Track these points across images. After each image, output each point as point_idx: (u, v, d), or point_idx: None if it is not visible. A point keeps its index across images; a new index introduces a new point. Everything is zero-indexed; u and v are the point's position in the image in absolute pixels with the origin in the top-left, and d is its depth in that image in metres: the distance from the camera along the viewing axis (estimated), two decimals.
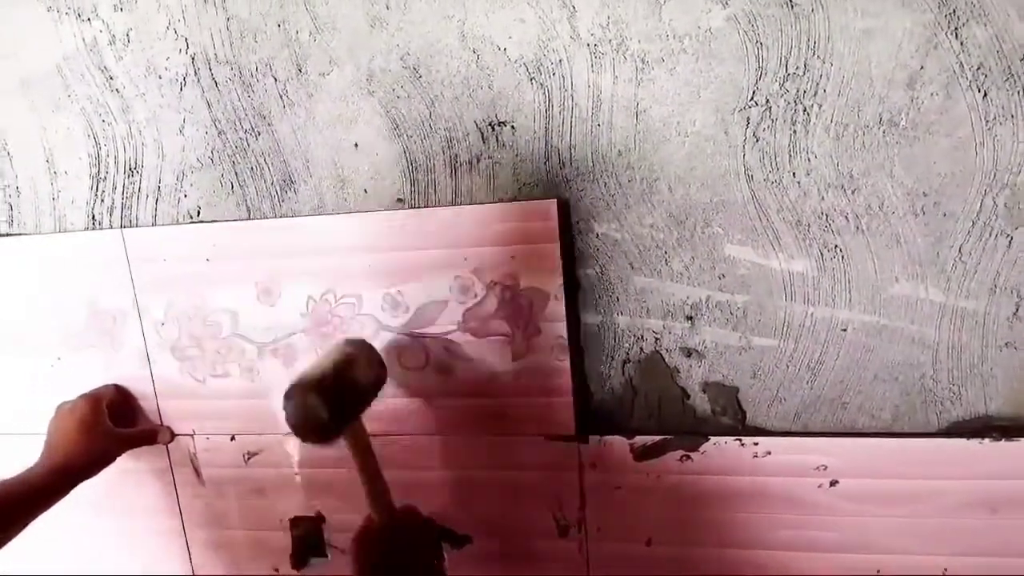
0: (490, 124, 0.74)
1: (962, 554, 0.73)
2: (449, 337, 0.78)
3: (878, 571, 0.74)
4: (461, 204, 0.76)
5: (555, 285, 0.74)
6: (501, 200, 0.75)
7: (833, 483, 0.73)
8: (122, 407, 0.87)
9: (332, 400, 0.65)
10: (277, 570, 0.90)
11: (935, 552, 0.73)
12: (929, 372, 0.70)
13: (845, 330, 0.71)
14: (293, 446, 0.85)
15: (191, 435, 0.88)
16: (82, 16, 0.80)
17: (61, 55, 0.81)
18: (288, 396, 0.64)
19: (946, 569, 0.73)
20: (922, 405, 0.71)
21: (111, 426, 0.83)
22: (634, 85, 0.69)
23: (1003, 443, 0.69)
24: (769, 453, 0.74)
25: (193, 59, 0.78)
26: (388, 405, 0.81)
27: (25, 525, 0.76)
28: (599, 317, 0.76)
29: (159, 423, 0.88)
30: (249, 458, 0.86)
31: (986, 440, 0.70)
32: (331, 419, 0.64)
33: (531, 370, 0.77)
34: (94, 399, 0.84)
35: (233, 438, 0.86)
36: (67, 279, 0.86)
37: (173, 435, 0.88)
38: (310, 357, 0.81)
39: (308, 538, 0.88)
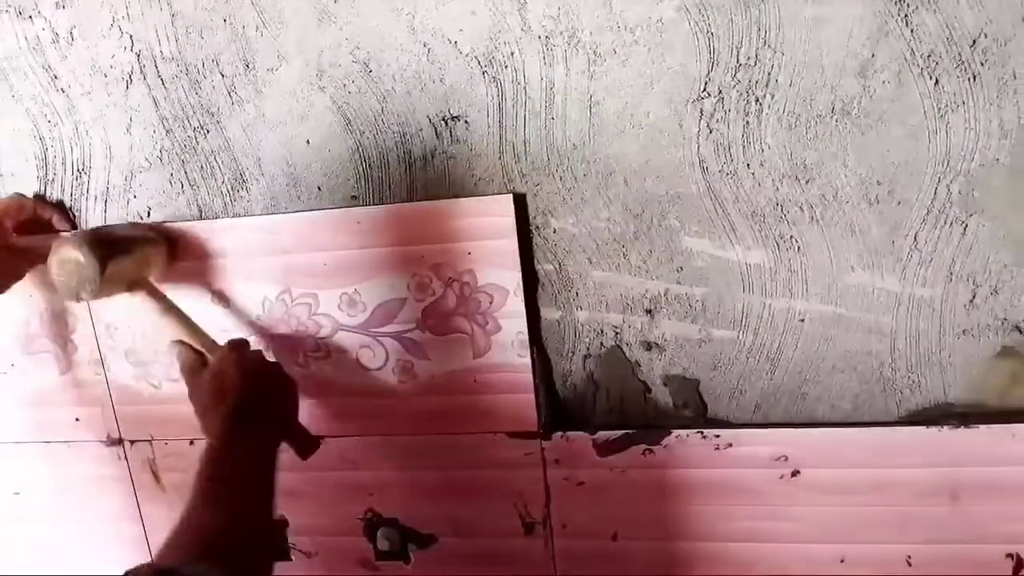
0: (443, 119, 0.72)
1: (925, 542, 0.73)
2: (408, 336, 0.77)
3: (842, 560, 0.75)
4: (416, 200, 0.75)
5: (514, 281, 0.74)
6: (457, 196, 0.74)
7: (795, 473, 0.73)
8: (34, 218, 0.81)
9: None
10: None
11: (898, 540, 0.73)
12: (887, 361, 0.70)
13: (803, 320, 0.71)
14: None
15: (149, 441, 0.86)
16: (24, 14, 0.77)
17: (3, 54, 0.79)
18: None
19: (910, 556, 0.74)
20: (881, 394, 0.71)
21: (10, 239, 0.77)
22: (587, 77, 0.69)
23: (962, 430, 0.69)
24: (731, 445, 0.73)
25: (139, 56, 0.76)
26: (348, 406, 0.80)
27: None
28: (559, 312, 0.76)
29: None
30: None
31: (945, 427, 0.70)
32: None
33: (492, 367, 0.76)
34: None
35: (192, 443, 0.84)
36: (18, 283, 0.84)
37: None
38: (267, 358, 0.80)
39: None
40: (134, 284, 0.75)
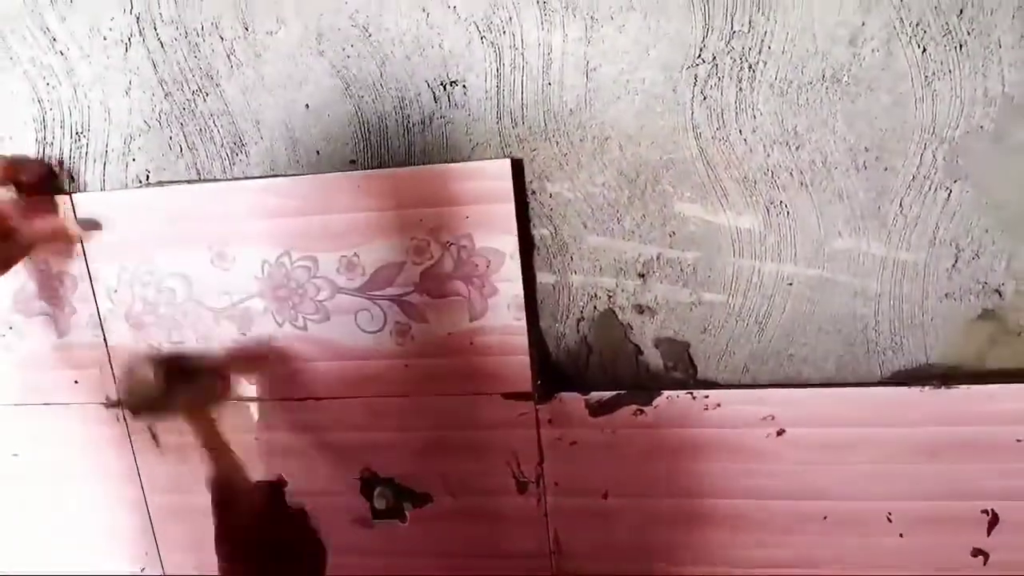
0: (442, 83, 0.73)
1: (905, 498, 0.76)
2: (406, 299, 0.79)
3: (824, 517, 0.77)
4: (415, 165, 0.76)
5: (510, 245, 0.75)
6: (455, 160, 0.75)
7: (780, 432, 0.75)
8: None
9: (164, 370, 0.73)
10: None
11: (879, 497, 0.76)
12: (871, 323, 0.73)
13: (791, 284, 0.73)
14: (253, 409, 0.85)
15: None
16: None
17: (1, 16, 0.79)
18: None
19: (890, 513, 0.76)
20: (865, 355, 0.74)
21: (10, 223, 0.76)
22: (584, 43, 0.70)
23: (943, 390, 0.72)
24: (719, 405, 0.76)
25: (138, 19, 0.76)
26: (347, 368, 0.82)
27: None
28: (553, 276, 0.77)
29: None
30: None
31: (926, 388, 0.72)
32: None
33: (488, 330, 0.78)
34: None
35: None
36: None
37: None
38: (267, 321, 0.82)
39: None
40: (193, 414, 0.79)
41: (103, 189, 0.82)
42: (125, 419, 0.88)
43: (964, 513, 0.75)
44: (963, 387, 0.71)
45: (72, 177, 0.83)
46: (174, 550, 0.81)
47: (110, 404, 0.88)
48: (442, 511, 0.85)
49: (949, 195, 0.68)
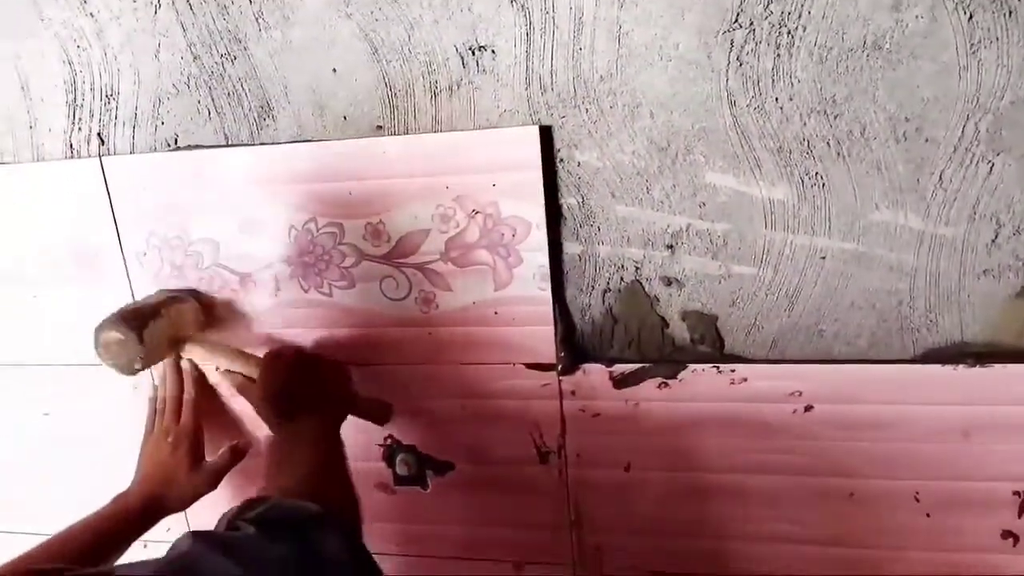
0: (470, 48, 0.72)
1: (934, 478, 0.74)
2: (431, 267, 0.78)
3: (851, 494, 0.76)
4: (441, 131, 0.75)
5: (537, 214, 0.74)
6: (482, 127, 0.74)
7: (808, 408, 0.74)
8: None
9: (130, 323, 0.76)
10: None
11: (907, 477, 0.75)
12: (906, 299, 0.71)
13: (824, 258, 0.71)
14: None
15: None
16: None
17: None
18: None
19: (918, 492, 0.75)
20: (898, 332, 0.72)
21: (209, 462, 0.83)
22: (616, 7, 0.68)
23: (977, 369, 0.70)
24: (745, 380, 0.75)
25: None
26: (370, 335, 0.82)
27: (121, 553, 0.76)
28: (580, 247, 0.76)
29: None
30: None
31: (960, 367, 0.70)
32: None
33: (512, 299, 0.77)
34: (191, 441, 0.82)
35: (218, 369, 0.86)
36: (46, 210, 0.86)
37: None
38: (293, 286, 0.82)
39: None
40: (176, 342, 0.82)
41: (132, 152, 0.82)
42: (154, 379, 0.89)
43: (994, 495, 0.73)
44: (998, 366, 0.70)
45: (102, 140, 0.83)
46: (200, 511, 0.82)
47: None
48: (464, 479, 0.85)
49: (991, 168, 0.66)
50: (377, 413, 0.84)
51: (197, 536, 0.51)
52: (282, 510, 0.58)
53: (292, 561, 0.53)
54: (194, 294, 0.84)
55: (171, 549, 0.51)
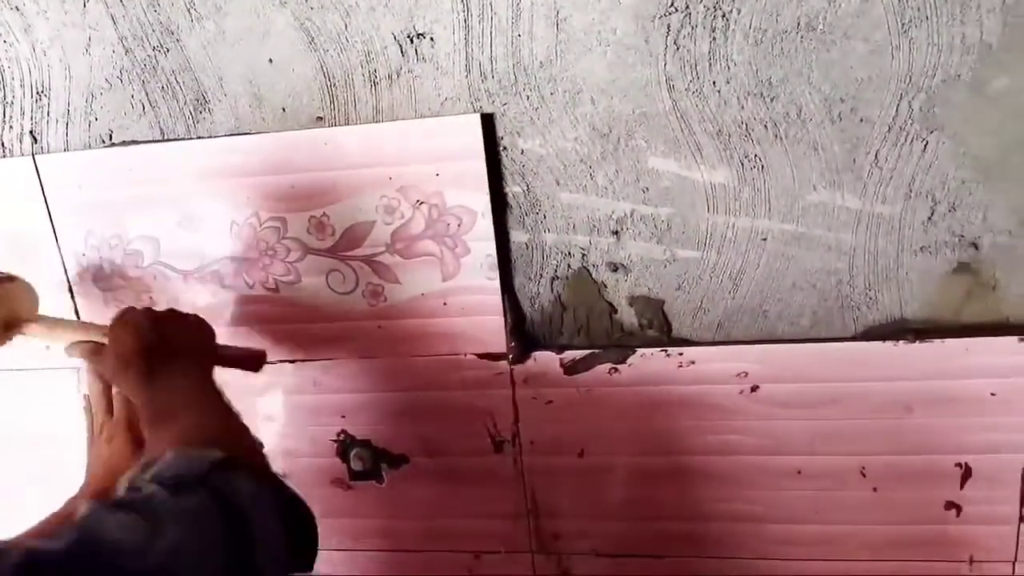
0: (409, 36, 0.71)
1: (879, 453, 0.76)
2: (378, 259, 0.78)
3: (798, 471, 0.77)
4: (383, 121, 0.74)
5: (482, 203, 0.74)
6: (424, 116, 0.73)
7: (754, 388, 0.75)
8: None
9: None
10: None
11: (853, 452, 0.76)
12: (846, 278, 0.72)
13: (765, 239, 0.72)
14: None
15: None
16: None
17: None
18: None
19: (864, 467, 0.77)
20: (839, 311, 0.73)
21: None
22: None
23: (917, 345, 0.71)
24: (693, 362, 0.75)
25: None
26: (319, 330, 0.81)
27: None
28: (527, 235, 0.76)
29: None
30: None
31: (901, 343, 0.72)
32: None
33: (461, 289, 0.77)
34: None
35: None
36: None
37: None
38: (238, 283, 0.80)
39: None
40: (10, 326, 0.75)
41: (66, 150, 0.80)
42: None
43: (938, 467, 0.75)
44: (938, 342, 0.71)
45: (35, 138, 0.81)
46: None
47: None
48: (419, 472, 0.85)
49: (925, 146, 0.67)
50: (249, 361, 0.78)
51: (99, 503, 0.49)
52: (181, 462, 0.54)
53: (204, 510, 0.50)
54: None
55: (78, 519, 0.48)
